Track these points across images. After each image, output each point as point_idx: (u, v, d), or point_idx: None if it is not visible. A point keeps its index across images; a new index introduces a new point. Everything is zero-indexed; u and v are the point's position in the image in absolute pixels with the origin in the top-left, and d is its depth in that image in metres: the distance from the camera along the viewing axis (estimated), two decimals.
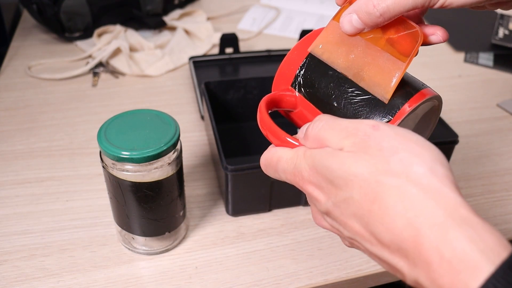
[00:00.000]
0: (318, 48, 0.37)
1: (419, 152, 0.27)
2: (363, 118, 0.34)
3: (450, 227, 0.24)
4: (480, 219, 0.25)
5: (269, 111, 0.37)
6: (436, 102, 0.37)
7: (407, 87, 0.35)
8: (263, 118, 0.36)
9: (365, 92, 0.35)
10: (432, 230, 0.25)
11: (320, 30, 0.38)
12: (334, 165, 0.28)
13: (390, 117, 0.34)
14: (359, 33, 0.35)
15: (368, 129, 0.29)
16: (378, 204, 0.26)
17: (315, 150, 0.30)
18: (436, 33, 0.35)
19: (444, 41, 0.35)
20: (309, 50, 0.37)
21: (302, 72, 0.38)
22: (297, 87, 0.38)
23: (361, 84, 0.35)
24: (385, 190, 0.26)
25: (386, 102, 0.34)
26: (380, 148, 0.28)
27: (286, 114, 0.40)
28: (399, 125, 0.34)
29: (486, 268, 0.23)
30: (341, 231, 0.31)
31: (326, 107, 0.36)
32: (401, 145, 0.27)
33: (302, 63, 0.38)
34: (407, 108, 0.34)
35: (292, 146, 0.33)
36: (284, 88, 0.39)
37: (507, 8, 0.36)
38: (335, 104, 0.36)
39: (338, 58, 0.36)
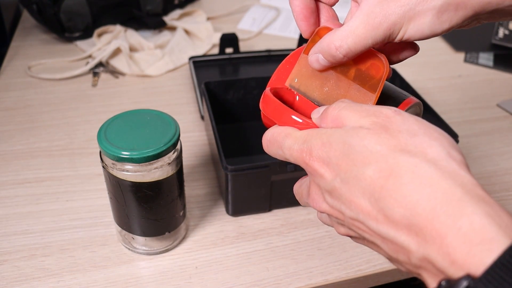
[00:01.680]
0: (294, 82, 0.38)
1: (437, 137, 0.28)
2: None
3: (468, 202, 0.25)
4: (495, 201, 0.26)
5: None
6: (418, 108, 0.38)
7: (389, 101, 0.36)
8: (271, 100, 0.36)
9: None
10: (450, 205, 0.25)
11: (297, 52, 0.39)
12: (353, 141, 0.29)
13: None
14: (327, 69, 0.37)
15: (391, 112, 0.30)
16: (393, 180, 0.27)
17: (333, 129, 0.31)
18: (407, 47, 0.37)
19: (416, 52, 0.37)
20: (287, 84, 0.39)
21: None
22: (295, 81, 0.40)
23: None
24: (402, 167, 0.27)
25: None
26: (400, 130, 0.28)
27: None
28: None
29: (503, 241, 0.23)
30: (342, 211, 0.30)
31: None
32: (421, 130, 0.28)
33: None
34: None
35: (306, 126, 0.33)
36: (280, 87, 0.40)
37: (469, 27, 0.36)
38: None
39: (314, 92, 0.38)
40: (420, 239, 0.26)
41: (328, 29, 0.35)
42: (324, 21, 0.38)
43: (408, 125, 0.29)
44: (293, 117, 0.34)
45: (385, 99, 0.36)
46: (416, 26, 0.33)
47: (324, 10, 0.38)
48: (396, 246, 0.27)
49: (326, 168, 0.30)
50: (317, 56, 0.36)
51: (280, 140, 0.34)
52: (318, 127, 0.33)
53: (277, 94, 0.38)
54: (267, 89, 0.38)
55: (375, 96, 0.35)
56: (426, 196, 0.26)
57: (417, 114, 0.38)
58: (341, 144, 0.29)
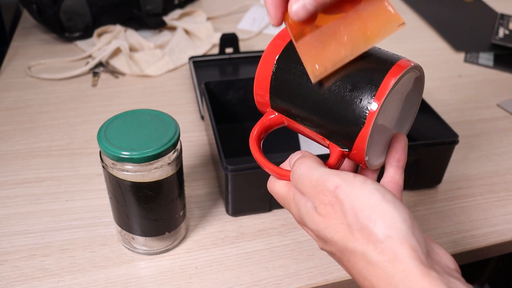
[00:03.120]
0: (318, 70, 0.34)
1: (375, 219, 0.29)
2: (350, 106, 0.33)
3: None
4: (428, 282, 0.27)
5: (263, 140, 0.39)
6: (418, 72, 0.36)
7: (383, 63, 0.33)
8: (254, 155, 0.38)
9: (346, 78, 0.33)
10: None
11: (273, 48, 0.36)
12: (312, 225, 0.33)
13: (369, 104, 0.32)
14: (322, 22, 0.33)
15: (333, 189, 0.31)
16: (351, 265, 0.31)
17: (299, 200, 0.34)
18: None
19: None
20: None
21: (273, 92, 0.37)
22: (276, 105, 0.38)
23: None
24: (353, 256, 0.30)
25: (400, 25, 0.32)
26: (344, 214, 0.30)
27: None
28: (384, 102, 0.32)
29: None
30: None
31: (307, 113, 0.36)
32: (361, 213, 0.30)
33: (271, 77, 0.37)
34: (391, 81, 0.32)
35: (286, 178, 0.36)
36: (266, 111, 0.39)
37: None
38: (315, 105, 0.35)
39: (340, 53, 0.33)
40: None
41: None
42: None
43: (351, 206, 0.30)
44: (272, 169, 0.37)
45: (375, 63, 0.33)
46: None
47: None
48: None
49: (312, 234, 0.35)
50: (303, 1, 0.32)
51: (275, 196, 0.38)
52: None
53: (264, 128, 0.39)
54: (252, 141, 0.38)
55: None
56: (373, 285, 0.29)
57: (418, 79, 0.36)
58: (306, 224, 0.34)
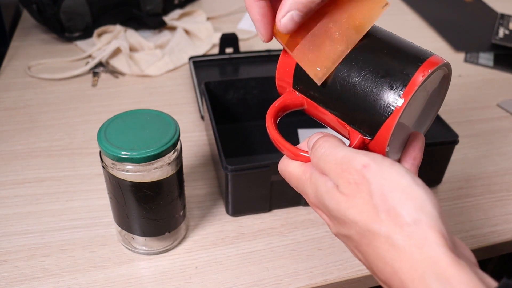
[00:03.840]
0: (319, 71, 0.35)
1: (404, 201, 0.28)
2: (375, 99, 0.33)
3: (429, 280, 0.26)
4: (458, 270, 0.26)
5: (279, 119, 0.38)
6: (446, 70, 0.35)
7: (409, 59, 0.33)
8: (270, 132, 0.36)
9: (371, 64, 0.33)
10: (414, 283, 0.26)
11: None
12: (331, 205, 0.31)
13: (401, 92, 0.32)
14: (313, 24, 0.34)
15: (360, 168, 0.30)
16: (372, 249, 0.29)
17: (318, 179, 0.32)
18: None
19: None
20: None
21: (299, 71, 0.36)
22: (298, 86, 0.37)
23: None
24: (376, 238, 0.28)
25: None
26: (371, 194, 0.29)
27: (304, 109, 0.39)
28: (416, 92, 0.31)
29: None
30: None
31: (332, 100, 0.35)
32: (390, 193, 0.28)
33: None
34: (419, 77, 0.32)
35: (302, 159, 0.35)
36: (287, 91, 0.38)
37: None
38: (341, 94, 0.34)
39: (337, 49, 0.34)
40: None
41: None
42: None
43: (377, 187, 0.29)
44: (287, 147, 0.36)
45: (404, 56, 0.33)
46: None
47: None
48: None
49: (326, 216, 0.34)
50: (290, 14, 0.33)
51: (287, 178, 0.36)
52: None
53: (282, 107, 0.37)
54: (268, 117, 0.37)
55: None
56: (396, 270, 0.28)
57: (446, 77, 0.36)
58: (325, 204, 0.32)
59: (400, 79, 0.32)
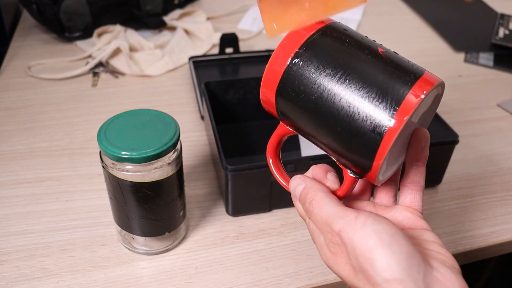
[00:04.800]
0: (276, 28, 0.35)
1: (372, 262, 0.30)
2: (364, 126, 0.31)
3: None
4: None
5: (280, 148, 0.40)
6: (440, 89, 0.34)
7: (407, 74, 0.32)
8: (272, 171, 0.40)
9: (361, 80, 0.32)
10: None
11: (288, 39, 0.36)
12: (323, 258, 0.34)
13: (392, 117, 0.30)
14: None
15: (338, 231, 0.32)
16: None
17: (315, 231, 0.35)
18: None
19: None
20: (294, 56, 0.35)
21: (280, 101, 0.36)
22: (280, 116, 0.37)
23: None
24: None
25: None
26: (348, 255, 0.31)
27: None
28: (406, 124, 0.30)
29: None
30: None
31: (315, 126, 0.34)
32: (360, 257, 0.30)
33: (277, 85, 0.36)
34: (413, 100, 0.30)
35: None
36: (279, 124, 0.38)
37: None
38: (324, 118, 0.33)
39: (301, 13, 0.34)
40: None
41: None
42: None
43: (352, 246, 0.31)
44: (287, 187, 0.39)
45: (399, 72, 0.32)
46: None
47: None
48: None
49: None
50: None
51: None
52: None
53: (276, 141, 0.39)
54: (268, 157, 0.39)
55: None
56: None
57: (438, 97, 0.35)
58: (321, 256, 0.35)
59: (381, 124, 0.31)
